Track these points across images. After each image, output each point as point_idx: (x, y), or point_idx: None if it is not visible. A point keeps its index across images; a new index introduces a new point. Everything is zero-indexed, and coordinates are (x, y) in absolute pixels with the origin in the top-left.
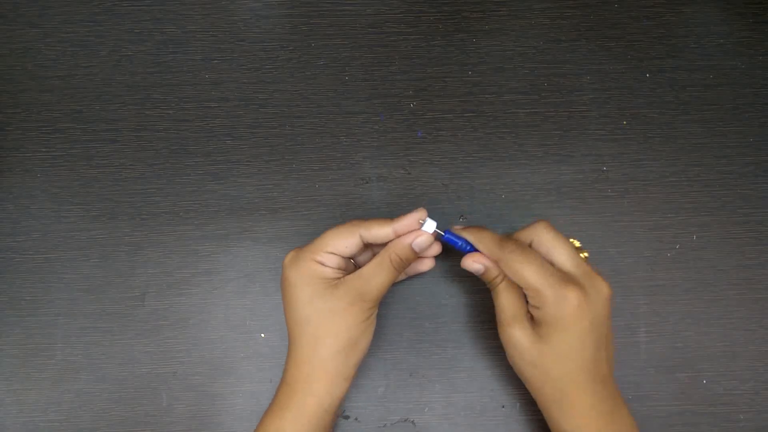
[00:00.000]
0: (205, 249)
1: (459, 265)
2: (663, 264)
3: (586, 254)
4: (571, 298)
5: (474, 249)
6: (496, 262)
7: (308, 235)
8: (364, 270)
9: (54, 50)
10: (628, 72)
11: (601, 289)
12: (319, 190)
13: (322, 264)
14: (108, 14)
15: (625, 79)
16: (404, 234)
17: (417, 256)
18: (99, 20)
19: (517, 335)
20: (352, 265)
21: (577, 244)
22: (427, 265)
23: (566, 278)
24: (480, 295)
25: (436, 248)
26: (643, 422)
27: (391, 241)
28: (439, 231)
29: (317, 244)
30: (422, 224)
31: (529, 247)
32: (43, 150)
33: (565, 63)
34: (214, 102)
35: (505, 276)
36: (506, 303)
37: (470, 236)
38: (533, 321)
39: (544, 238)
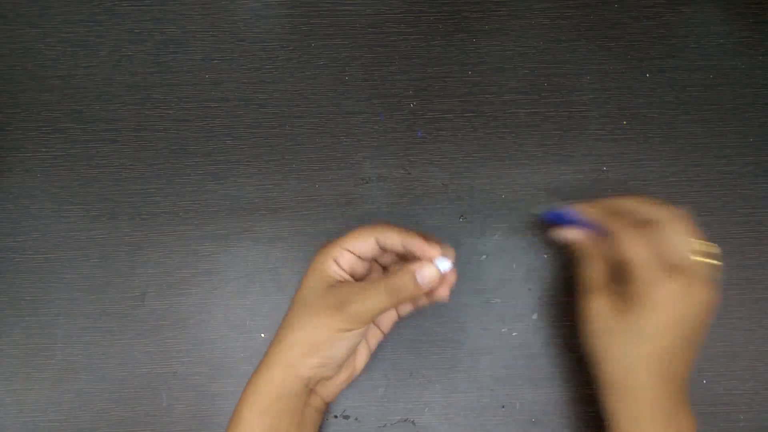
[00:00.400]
0: (205, 249)
1: (459, 263)
2: None
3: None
4: (674, 285)
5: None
6: (600, 232)
7: (308, 235)
8: (360, 284)
9: (54, 50)
10: (628, 72)
11: (708, 295)
12: (319, 190)
13: (336, 261)
14: (108, 14)
15: (625, 79)
16: (413, 252)
17: (419, 290)
18: (99, 20)
19: (603, 302)
20: (369, 270)
21: (714, 249)
22: (440, 293)
23: (678, 268)
24: (480, 295)
25: (445, 288)
26: None
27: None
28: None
29: (342, 239)
30: (439, 261)
31: (644, 226)
32: (43, 150)
33: (565, 63)
34: (214, 102)
35: (597, 247)
36: (596, 272)
37: (581, 207)
38: (620, 296)
39: (677, 228)
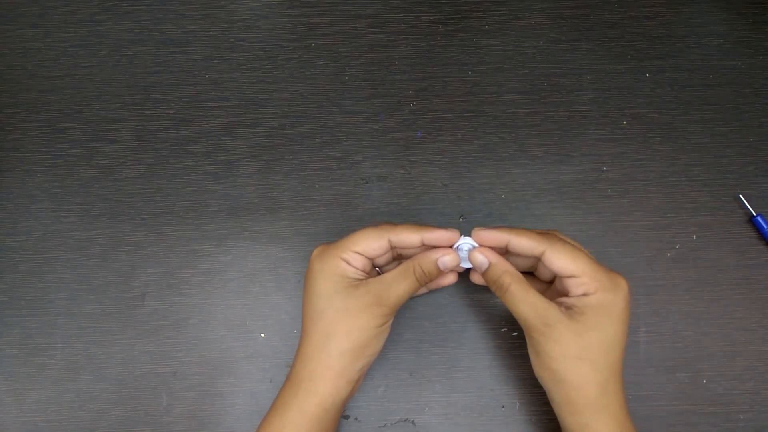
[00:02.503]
0: (205, 249)
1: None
2: (663, 264)
3: None
4: (623, 285)
5: None
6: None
7: (308, 235)
8: (387, 276)
9: (54, 50)
10: (628, 72)
11: (624, 283)
12: (319, 190)
13: (347, 262)
14: (108, 14)
15: (625, 79)
16: (432, 246)
17: (440, 273)
18: (99, 20)
19: (558, 331)
20: (375, 271)
21: None
22: (449, 279)
23: (612, 275)
24: (480, 295)
25: (456, 272)
26: (643, 422)
27: (417, 250)
28: (468, 248)
29: (345, 242)
30: (457, 246)
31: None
32: (43, 150)
33: (565, 63)
34: (214, 102)
35: (513, 276)
36: (532, 302)
37: (502, 234)
38: (570, 312)
39: (559, 246)
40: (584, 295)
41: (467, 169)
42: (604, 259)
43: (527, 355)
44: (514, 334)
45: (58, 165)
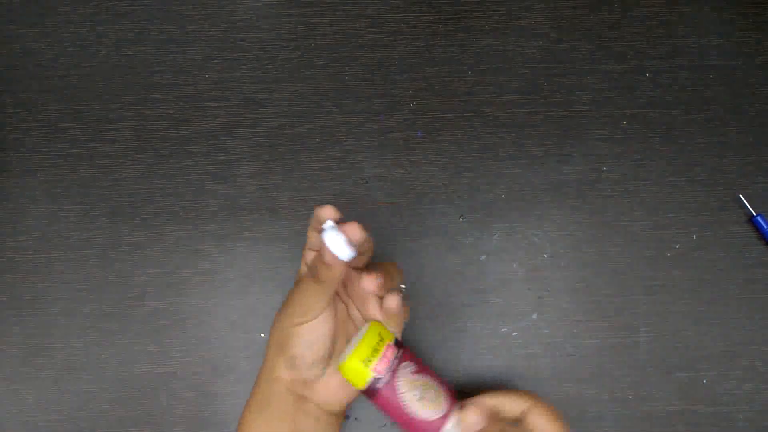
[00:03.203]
0: (205, 249)
1: (459, 263)
2: (663, 264)
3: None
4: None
5: None
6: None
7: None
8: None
9: (54, 50)
10: (628, 72)
11: None
12: (319, 190)
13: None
14: (108, 14)
15: (625, 79)
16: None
17: (331, 257)
18: (99, 20)
19: None
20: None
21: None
22: (389, 302)
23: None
24: (480, 295)
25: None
26: (643, 422)
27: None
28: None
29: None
30: (324, 229)
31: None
32: (43, 150)
33: (565, 63)
34: (214, 102)
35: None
36: None
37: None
38: None
39: (539, 411)
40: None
41: (467, 169)
42: (604, 259)
43: (527, 355)
44: (514, 334)
45: (58, 165)
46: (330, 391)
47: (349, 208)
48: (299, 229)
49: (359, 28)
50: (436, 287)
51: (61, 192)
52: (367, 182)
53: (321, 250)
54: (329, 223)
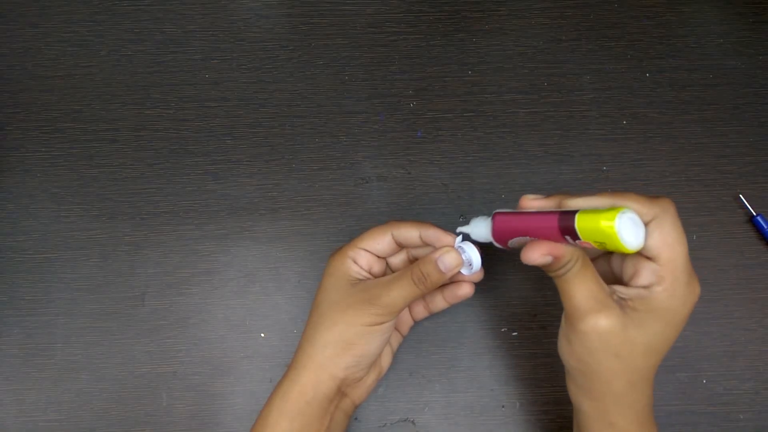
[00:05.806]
0: (205, 249)
1: None
2: None
3: None
4: (696, 293)
5: None
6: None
7: (308, 235)
8: (386, 277)
9: (54, 50)
10: (628, 72)
11: (698, 292)
12: (319, 190)
13: (354, 260)
14: (108, 14)
15: (625, 79)
16: (431, 242)
17: (443, 275)
18: (99, 20)
19: (604, 323)
20: (385, 271)
21: None
22: (465, 290)
23: (691, 272)
24: (479, 295)
25: (477, 276)
26: None
27: (426, 250)
28: (467, 247)
29: (354, 240)
30: (460, 246)
31: None
32: (43, 150)
33: (565, 63)
34: (214, 102)
35: (579, 258)
36: (589, 286)
37: (609, 199)
38: (622, 304)
39: (669, 222)
40: (647, 287)
41: (467, 169)
42: None
43: (527, 355)
44: (514, 334)
45: (58, 165)
46: (366, 390)
47: (349, 208)
48: (299, 229)
49: (359, 28)
50: None
51: (61, 192)
52: (367, 182)
53: (444, 258)
54: (462, 236)
